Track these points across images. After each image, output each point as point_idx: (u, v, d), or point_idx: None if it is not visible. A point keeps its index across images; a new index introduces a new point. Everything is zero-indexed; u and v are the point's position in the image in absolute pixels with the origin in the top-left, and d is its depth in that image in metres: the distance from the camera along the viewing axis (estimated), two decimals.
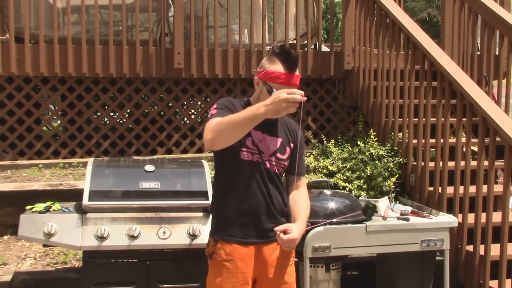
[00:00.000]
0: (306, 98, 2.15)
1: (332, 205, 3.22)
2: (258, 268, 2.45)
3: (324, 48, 6.58)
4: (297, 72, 2.38)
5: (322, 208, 3.20)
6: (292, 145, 2.52)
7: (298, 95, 2.10)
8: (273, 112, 2.13)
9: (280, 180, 2.50)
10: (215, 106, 2.40)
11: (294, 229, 2.33)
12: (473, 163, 3.92)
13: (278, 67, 2.36)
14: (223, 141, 2.27)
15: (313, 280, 3.21)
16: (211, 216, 2.59)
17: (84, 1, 5.24)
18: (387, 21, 4.92)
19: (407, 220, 3.30)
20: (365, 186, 4.39)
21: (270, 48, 2.44)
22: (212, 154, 2.58)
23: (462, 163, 3.93)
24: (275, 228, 2.34)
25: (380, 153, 4.61)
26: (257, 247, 2.44)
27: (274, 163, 2.45)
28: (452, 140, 4.21)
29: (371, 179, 4.45)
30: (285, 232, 2.32)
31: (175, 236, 3.13)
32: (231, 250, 2.41)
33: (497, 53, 5.42)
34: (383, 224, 3.25)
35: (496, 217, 3.63)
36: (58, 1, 5.28)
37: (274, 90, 2.29)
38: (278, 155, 2.46)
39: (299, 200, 2.52)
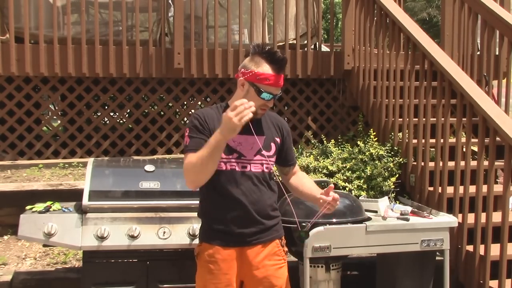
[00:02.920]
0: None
1: None
2: (243, 270, 2.45)
3: (324, 48, 6.57)
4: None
5: None
6: (278, 139, 2.53)
7: (240, 104, 2.13)
8: (229, 131, 2.17)
9: (267, 179, 2.48)
10: (187, 131, 2.41)
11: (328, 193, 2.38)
12: (473, 163, 3.92)
13: (266, 69, 2.36)
14: (204, 178, 2.33)
15: (313, 280, 3.20)
16: None
17: None
18: (387, 21, 4.91)
19: (407, 220, 3.30)
20: (365, 186, 4.39)
21: (251, 48, 2.41)
22: None
23: (462, 163, 3.93)
24: (322, 199, 2.37)
25: (380, 153, 4.61)
26: (239, 249, 2.44)
27: (260, 162, 2.44)
28: (452, 140, 4.21)
29: (371, 179, 4.45)
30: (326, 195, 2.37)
31: (175, 236, 3.13)
32: (214, 251, 2.42)
33: (497, 53, 5.42)
34: (383, 224, 3.24)
35: (496, 217, 3.63)
36: (58, 0, 5.28)
37: (263, 91, 2.34)
38: (264, 152, 2.45)
39: (304, 181, 2.61)
